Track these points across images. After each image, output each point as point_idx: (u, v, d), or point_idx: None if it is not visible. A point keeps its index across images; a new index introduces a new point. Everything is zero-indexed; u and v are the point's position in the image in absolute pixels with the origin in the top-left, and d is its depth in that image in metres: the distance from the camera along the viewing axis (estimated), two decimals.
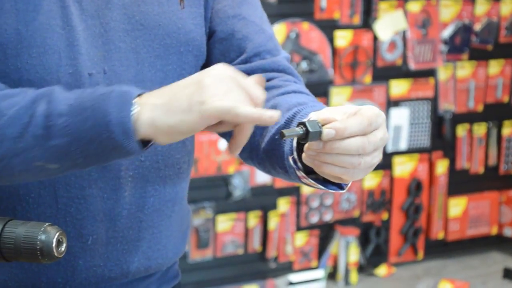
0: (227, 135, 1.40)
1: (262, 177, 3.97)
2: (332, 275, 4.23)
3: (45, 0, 1.26)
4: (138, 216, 1.37)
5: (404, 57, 4.26)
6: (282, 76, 1.41)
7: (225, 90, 1.14)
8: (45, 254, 1.10)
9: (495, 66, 4.51)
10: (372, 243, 4.34)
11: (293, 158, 1.23)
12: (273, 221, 4.03)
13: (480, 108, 4.52)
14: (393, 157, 4.32)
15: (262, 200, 4.02)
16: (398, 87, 4.27)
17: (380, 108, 3.99)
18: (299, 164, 1.23)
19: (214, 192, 3.91)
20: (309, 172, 1.23)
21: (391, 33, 4.17)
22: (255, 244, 4.02)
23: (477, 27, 4.42)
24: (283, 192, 4.07)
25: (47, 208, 1.31)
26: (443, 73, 4.37)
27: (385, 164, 4.28)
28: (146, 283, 1.44)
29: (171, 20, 1.36)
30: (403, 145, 4.34)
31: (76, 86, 1.25)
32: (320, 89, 4.02)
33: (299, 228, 4.15)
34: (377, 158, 1.17)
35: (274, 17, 3.86)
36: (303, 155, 1.17)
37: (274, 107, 1.32)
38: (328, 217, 4.21)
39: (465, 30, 4.37)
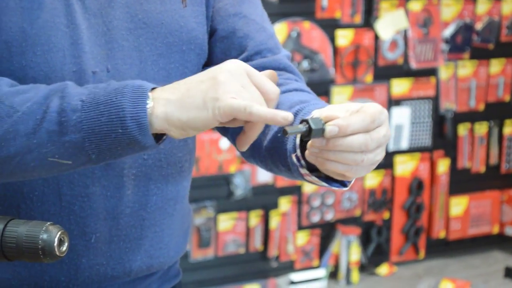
0: (228, 134, 1.40)
1: (263, 176, 3.97)
2: (333, 274, 4.23)
3: None
4: (140, 214, 1.37)
5: (405, 56, 4.26)
6: (283, 74, 1.41)
7: (239, 87, 1.14)
8: (46, 253, 1.10)
9: (496, 65, 4.51)
10: (373, 242, 4.34)
11: (296, 155, 1.23)
12: (275, 220, 4.03)
13: (481, 107, 4.52)
14: (394, 156, 4.32)
15: (264, 199, 4.02)
16: (399, 86, 4.27)
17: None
18: (302, 162, 1.23)
19: (216, 191, 3.91)
20: (312, 169, 1.23)
21: (392, 32, 4.17)
22: (257, 243, 4.02)
23: (478, 26, 4.42)
24: (285, 191, 4.07)
25: (51, 206, 1.31)
26: (444, 72, 4.37)
27: (387, 163, 4.28)
28: (147, 282, 1.44)
29: (174, 18, 1.36)
30: (404, 144, 4.34)
31: (80, 84, 1.25)
32: (321, 88, 4.02)
33: (300, 227, 4.15)
34: (380, 155, 1.17)
35: (275, 16, 3.86)
36: (306, 152, 1.17)
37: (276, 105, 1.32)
38: (329, 216, 4.21)
39: (466, 29, 4.37)
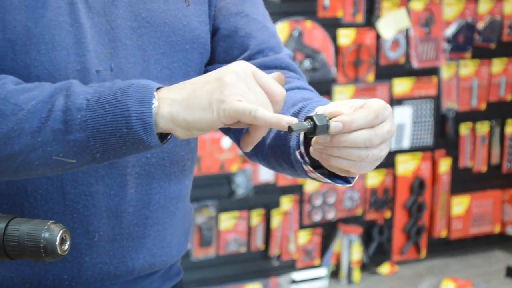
0: (231, 133, 1.40)
1: (265, 175, 3.98)
2: (335, 274, 4.23)
3: None
4: (143, 213, 1.37)
5: (407, 55, 4.26)
6: (285, 73, 1.41)
7: (245, 88, 1.14)
8: (48, 252, 1.10)
9: (498, 65, 4.51)
10: (375, 242, 4.34)
11: (300, 152, 1.23)
12: (276, 219, 4.03)
13: (483, 106, 4.52)
14: (396, 155, 4.32)
15: (265, 198, 4.02)
16: (401, 85, 4.27)
17: None
18: (306, 159, 1.23)
19: (217, 190, 3.91)
20: (316, 166, 1.23)
21: (394, 31, 4.17)
22: (258, 242, 4.02)
23: (480, 25, 4.42)
24: (286, 190, 4.07)
25: (54, 205, 1.31)
26: (446, 72, 4.37)
27: (388, 162, 4.28)
28: (149, 280, 1.45)
29: (177, 17, 1.36)
30: (406, 144, 4.34)
31: (84, 83, 1.25)
32: (323, 88, 4.02)
33: (302, 226, 4.15)
34: (385, 150, 1.17)
35: (277, 15, 3.86)
36: (311, 149, 1.17)
37: None
38: (331, 215, 4.21)
39: (468, 29, 4.37)
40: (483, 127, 4.54)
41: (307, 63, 3.98)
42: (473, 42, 4.42)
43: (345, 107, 1.15)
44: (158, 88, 1.17)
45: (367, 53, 4.14)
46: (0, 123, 1.17)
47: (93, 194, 1.32)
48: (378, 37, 4.16)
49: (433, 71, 4.35)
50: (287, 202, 4.08)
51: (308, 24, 3.97)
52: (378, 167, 4.22)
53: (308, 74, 3.95)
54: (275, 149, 1.31)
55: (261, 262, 4.08)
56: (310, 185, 4.11)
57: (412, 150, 4.38)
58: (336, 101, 1.19)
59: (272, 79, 1.17)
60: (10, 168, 1.20)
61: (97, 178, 1.32)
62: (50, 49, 1.26)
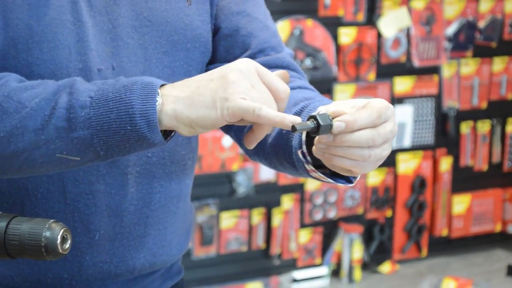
0: (232, 131, 1.40)
1: (266, 174, 3.98)
2: (336, 272, 4.23)
3: None
4: (144, 212, 1.37)
5: (408, 54, 4.25)
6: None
7: (249, 86, 1.13)
8: (49, 251, 1.10)
9: (499, 63, 4.51)
10: (376, 240, 4.34)
11: (302, 151, 1.23)
12: (277, 218, 4.03)
13: (484, 105, 4.52)
14: (397, 154, 4.32)
15: (266, 197, 4.02)
16: (402, 84, 4.27)
17: None
18: (308, 158, 1.23)
19: (218, 189, 3.91)
20: (318, 166, 1.23)
21: (395, 30, 4.17)
22: (259, 241, 4.02)
23: (481, 24, 4.42)
24: (287, 189, 4.07)
25: (55, 203, 1.31)
26: (447, 70, 4.37)
27: (389, 161, 4.28)
28: (150, 279, 1.45)
29: (178, 16, 1.36)
30: (407, 142, 4.34)
31: (86, 81, 1.25)
32: (324, 86, 4.02)
33: (303, 225, 4.15)
34: (387, 150, 1.17)
35: (278, 14, 3.86)
36: (313, 148, 1.17)
37: None
38: (332, 214, 4.21)
39: (469, 27, 4.37)
40: (484, 126, 4.54)
41: (308, 62, 3.98)
42: (474, 40, 4.42)
43: (347, 107, 1.15)
44: (162, 85, 1.17)
45: (368, 52, 4.14)
46: (3, 121, 1.17)
47: (94, 193, 1.32)
48: (379, 35, 4.16)
49: (434, 70, 4.35)
50: (288, 201, 4.08)
51: (309, 22, 3.97)
52: (379, 165, 4.21)
53: (309, 73, 3.95)
54: (277, 148, 1.31)
55: (262, 261, 4.08)
56: (311, 184, 4.11)
57: (413, 149, 4.38)
58: (338, 100, 1.19)
59: (276, 77, 1.17)
60: (14, 166, 1.20)
61: (98, 177, 1.32)
62: (52, 47, 1.26)
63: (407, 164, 4.37)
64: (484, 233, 4.66)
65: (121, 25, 1.32)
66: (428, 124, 4.39)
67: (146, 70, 1.33)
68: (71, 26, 1.27)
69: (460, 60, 4.40)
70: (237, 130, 1.39)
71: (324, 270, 4.17)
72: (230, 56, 1.41)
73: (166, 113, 1.15)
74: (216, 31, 1.42)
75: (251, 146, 1.20)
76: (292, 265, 4.14)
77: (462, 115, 4.48)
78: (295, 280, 4.09)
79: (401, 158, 4.34)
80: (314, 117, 1.13)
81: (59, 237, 1.10)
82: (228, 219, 3.94)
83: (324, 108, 1.17)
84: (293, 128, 1.11)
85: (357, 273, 4.21)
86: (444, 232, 4.53)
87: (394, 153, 4.30)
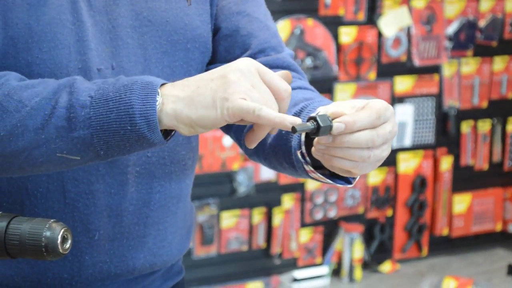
0: (231, 131, 1.40)
1: (266, 174, 3.98)
2: (336, 272, 4.23)
3: None
4: (144, 212, 1.37)
5: (409, 53, 4.25)
6: None
7: (250, 86, 1.13)
8: (50, 251, 1.10)
9: (499, 63, 4.50)
10: (376, 240, 4.34)
11: (301, 152, 1.23)
12: (278, 218, 4.03)
13: (484, 104, 4.51)
14: (397, 153, 4.32)
15: (267, 196, 4.02)
16: (403, 83, 4.27)
17: None
18: (307, 159, 1.23)
19: (219, 188, 3.91)
20: (317, 166, 1.23)
21: (395, 29, 4.16)
22: (260, 241, 4.02)
23: (482, 23, 4.41)
24: (288, 188, 4.07)
25: (55, 203, 1.31)
26: (447, 70, 4.37)
27: (390, 160, 4.28)
28: (150, 279, 1.45)
29: (178, 16, 1.36)
30: (407, 142, 4.34)
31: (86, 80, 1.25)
32: (324, 86, 4.02)
33: (303, 225, 4.15)
34: (386, 151, 1.17)
35: (279, 13, 3.86)
36: (313, 149, 1.17)
37: None
38: (332, 213, 4.21)
39: (469, 27, 4.37)
40: (484, 125, 4.53)
41: (308, 61, 3.98)
42: (475, 40, 4.41)
43: (347, 108, 1.15)
44: (162, 84, 1.17)
45: (368, 51, 4.14)
46: (3, 120, 1.17)
47: (93, 193, 1.32)
48: (379, 35, 4.16)
49: (435, 69, 4.35)
50: (288, 200, 4.08)
51: (310, 22, 3.97)
52: (379, 165, 4.21)
53: (309, 72, 3.95)
54: (276, 148, 1.31)
55: (263, 260, 4.08)
56: (312, 184, 4.11)
57: (414, 148, 4.38)
58: (338, 101, 1.19)
59: (277, 76, 1.17)
60: (14, 165, 1.20)
61: (98, 176, 1.32)
62: (52, 47, 1.26)
63: (407, 164, 4.37)
64: (485, 233, 4.66)
65: (121, 25, 1.32)
66: (428, 123, 4.39)
67: (145, 70, 1.33)
68: (71, 25, 1.27)
69: (460, 59, 4.40)
70: (237, 130, 1.39)
71: (324, 270, 4.17)
72: (230, 56, 1.41)
73: (166, 113, 1.15)
74: (216, 31, 1.42)
75: (252, 146, 1.20)
76: (292, 264, 4.14)
77: (463, 115, 4.48)
78: (295, 280, 4.09)
79: (401, 157, 4.34)
80: (314, 118, 1.13)
81: (59, 237, 1.10)
82: (229, 219, 3.94)
83: (323, 109, 1.17)
84: (293, 129, 1.11)
85: (358, 273, 4.21)
86: (445, 232, 4.53)
87: (394, 152, 4.30)
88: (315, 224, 4.19)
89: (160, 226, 1.40)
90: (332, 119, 1.13)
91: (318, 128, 1.12)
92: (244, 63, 1.15)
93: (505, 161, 4.65)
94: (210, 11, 1.41)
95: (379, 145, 1.15)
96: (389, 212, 4.37)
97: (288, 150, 1.28)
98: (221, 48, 1.42)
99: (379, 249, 4.36)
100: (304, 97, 1.32)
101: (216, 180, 3.90)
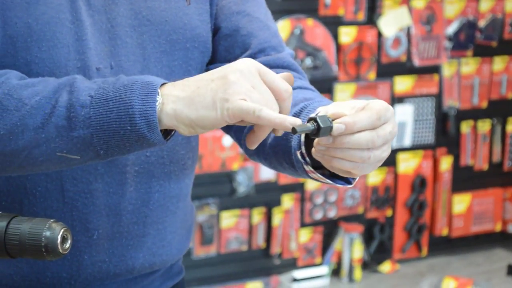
0: (232, 131, 1.40)
1: (266, 174, 3.97)
2: (336, 272, 4.23)
3: None
4: (143, 211, 1.37)
5: (409, 53, 4.25)
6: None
7: (250, 87, 1.13)
8: (50, 251, 1.10)
9: (499, 63, 4.50)
10: (376, 240, 4.34)
11: (301, 152, 1.23)
12: (277, 218, 4.03)
13: (484, 104, 4.51)
14: (397, 153, 4.32)
15: (266, 196, 4.02)
16: (403, 83, 4.27)
17: None
18: (307, 159, 1.23)
19: (218, 188, 3.91)
20: (317, 166, 1.23)
21: (395, 29, 4.16)
22: (259, 241, 4.02)
23: (482, 23, 4.41)
24: (287, 188, 4.07)
25: (53, 202, 1.31)
26: (447, 70, 4.37)
27: (389, 160, 4.28)
28: (150, 279, 1.44)
29: (178, 16, 1.36)
30: (407, 142, 4.34)
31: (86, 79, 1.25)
32: (324, 86, 4.02)
33: (303, 225, 4.15)
34: (387, 152, 1.17)
35: (279, 13, 3.86)
36: (313, 150, 1.17)
37: None
38: (332, 213, 4.21)
39: (469, 27, 4.37)
40: (484, 125, 4.53)
41: (308, 61, 3.98)
42: (475, 40, 4.41)
43: (347, 108, 1.15)
44: (163, 84, 1.17)
45: (368, 51, 4.14)
46: (3, 119, 1.17)
47: (92, 192, 1.32)
48: (379, 35, 4.16)
49: (435, 69, 4.35)
50: (288, 200, 4.07)
51: (310, 22, 3.97)
52: (379, 165, 4.21)
53: (309, 72, 3.95)
54: (276, 148, 1.31)
55: (262, 260, 4.08)
56: (311, 184, 4.11)
57: (414, 148, 4.38)
58: (338, 101, 1.19)
59: (278, 76, 1.16)
60: (14, 164, 1.20)
61: (96, 176, 1.32)
62: (51, 46, 1.26)
63: (407, 164, 4.37)
64: (485, 233, 4.66)
65: (120, 24, 1.31)
66: (428, 123, 4.39)
67: (144, 69, 1.33)
68: (70, 25, 1.27)
69: (460, 59, 4.40)
70: (237, 130, 1.39)
71: (324, 270, 4.17)
72: (230, 56, 1.41)
73: (166, 113, 1.15)
74: (216, 31, 1.42)
75: (253, 146, 1.20)
76: (292, 264, 4.14)
77: (463, 115, 4.47)
78: (295, 280, 4.09)
79: (401, 157, 4.34)
80: (314, 119, 1.13)
81: (59, 237, 1.10)
82: (229, 219, 3.94)
83: (323, 109, 1.17)
84: (293, 130, 1.11)
85: (357, 273, 4.21)
86: (444, 232, 4.53)
87: (394, 152, 4.30)
88: (315, 224, 4.19)
89: (160, 226, 1.40)
90: (332, 120, 1.13)
91: (318, 129, 1.12)
92: (245, 63, 1.15)
93: (504, 161, 4.65)
94: (210, 10, 1.41)
95: (379, 146, 1.15)
96: (388, 212, 4.37)
97: (288, 150, 1.28)
98: (221, 48, 1.42)
99: (378, 249, 4.36)
100: (304, 97, 1.32)
101: (216, 180, 3.90)
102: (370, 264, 4.32)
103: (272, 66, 1.40)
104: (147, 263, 1.40)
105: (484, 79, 4.48)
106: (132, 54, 1.32)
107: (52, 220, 1.11)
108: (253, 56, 1.40)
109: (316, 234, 4.19)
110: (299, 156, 1.24)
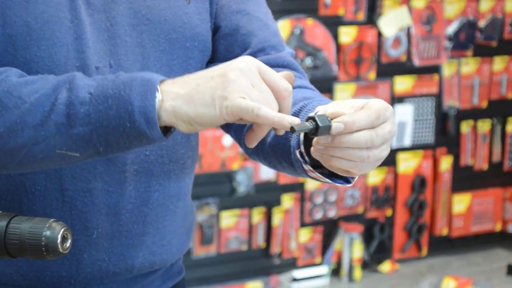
0: (232, 130, 1.40)
1: (266, 173, 3.97)
2: (336, 272, 4.23)
3: None
4: (142, 210, 1.37)
5: (409, 53, 4.25)
6: None
7: (249, 85, 1.13)
8: (50, 250, 1.10)
9: (499, 63, 4.50)
10: (376, 240, 4.34)
11: (300, 152, 1.23)
12: (277, 217, 4.03)
13: (484, 104, 4.51)
14: (397, 153, 4.32)
15: (266, 196, 4.02)
16: (403, 83, 4.27)
17: None
18: (306, 158, 1.23)
19: (218, 188, 3.91)
20: (316, 166, 1.23)
21: (395, 29, 4.16)
22: (259, 240, 4.02)
23: (482, 23, 4.41)
24: (287, 188, 4.07)
25: (53, 201, 1.31)
26: (447, 70, 4.37)
27: (389, 160, 4.28)
28: (150, 279, 1.44)
29: (177, 15, 1.36)
30: (407, 142, 4.34)
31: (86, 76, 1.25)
32: (324, 85, 4.02)
33: (303, 224, 4.15)
34: (386, 151, 1.17)
35: (279, 13, 3.86)
36: (312, 149, 1.17)
37: None
38: (332, 213, 4.21)
39: (469, 27, 4.37)
40: (484, 125, 4.53)
41: (308, 61, 3.98)
42: (475, 40, 4.41)
43: (346, 108, 1.15)
44: (162, 81, 1.17)
45: (368, 51, 4.14)
46: (3, 116, 1.17)
47: (91, 191, 1.32)
48: (379, 35, 4.16)
49: (435, 69, 4.35)
50: (288, 200, 4.08)
51: (310, 22, 3.97)
52: (379, 165, 4.21)
53: (309, 72, 3.95)
54: (276, 148, 1.31)
55: (262, 260, 4.08)
56: (311, 183, 4.11)
57: (413, 148, 4.38)
58: (337, 101, 1.19)
59: (277, 75, 1.16)
60: (14, 161, 1.20)
61: (96, 174, 1.32)
62: (51, 45, 1.26)
63: (407, 163, 4.37)
64: (484, 232, 4.66)
65: (119, 23, 1.31)
66: (428, 123, 4.39)
67: (144, 68, 1.33)
68: (69, 23, 1.27)
69: (460, 59, 4.40)
70: (237, 129, 1.39)
71: (324, 269, 4.17)
72: (230, 55, 1.41)
73: (165, 110, 1.15)
74: (216, 30, 1.42)
75: (252, 145, 1.20)
76: (292, 264, 4.14)
77: (462, 115, 4.48)
78: (295, 279, 4.09)
79: (401, 157, 4.34)
80: (313, 118, 1.12)
81: (59, 236, 1.10)
82: (228, 218, 3.94)
83: (322, 108, 1.17)
84: (292, 129, 1.11)
85: (357, 272, 4.21)
86: (444, 232, 4.53)
87: (394, 152, 4.30)
88: (315, 224, 4.19)
89: (159, 225, 1.40)
90: (331, 119, 1.13)
91: (317, 128, 1.12)
92: (245, 61, 1.15)
93: (504, 161, 4.65)
94: (210, 9, 1.41)
95: (378, 145, 1.15)
96: (388, 212, 4.37)
97: (287, 150, 1.28)
98: (221, 47, 1.42)
99: (378, 249, 4.36)
100: (304, 96, 1.32)
101: (215, 179, 3.90)
102: (370, 264, 4.32)
103: (272, 65, 1.39)
104: (146, 262, 1.40)
105: (484, 79, 4.48)
106: (131, 53, 1.32)
107: (52, 220, 1.11)
108: (253, 55, 1.40)
109: (316, 234, 4.19)
110: (298, 155, 1.24)
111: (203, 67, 1.41)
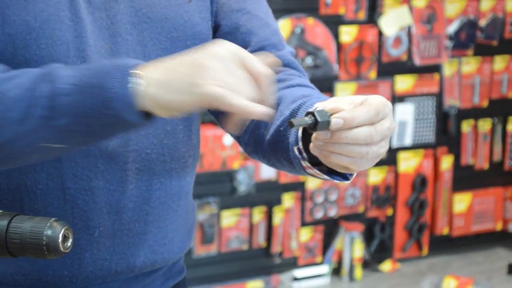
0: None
1: (267, 173, 3.97)
2: (336, 271, 4.23)
3: None
4: (144, 209, 1.37)
5: (409, 52, 4.25)
6: (287, 70, 1.41)
7: (225, 72, 1.12)
8: (51, 250, 1.10)
9: (500, 62, 4.50)
10: (376, 239, 4.34)
11: (298, 148, 1.23)
12: (278, 217, 4.03)
13: (485, 104, 4.51)
14: (398, 152, 4.32)
15: (267, 195, 4.02)
16: (403, 82, 4.27)
17: None
18: (304, 155, 1.23)
19: (219, 187, 3.91)
20: (314, 163, 1.23)
21: (396, 28, 4.16)
22: (260, 240, 4.02)
23: (482, 22, 4.41)
24: (288, 187, 4.07)
25: (54, 200, 1.31)
26: (448, 69, 4.37)
27: (390, 159, 4.28)
28: (151, 278, 1.44)
29: (178, 13, 1.36)
30: (408, 141, 4.34)
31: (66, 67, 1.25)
32: (325, 85, 4.02)
33: (303, 224, 4.15)
34: (384, 147, 1.17)
35: (279, 12, 3.86)
36: (311, 145, 1.17)
37: (279, 100, 1.32)
38: (332, 212, 4.21)
39: (470, 26, 4.37)
40: (485, 125, 4.53)
41: (309, 60, 3.98)
42: (475, 39, 4.41)
43: (345, 104, 1.15)
44: (142, 66, 1.16)
45: (369, 50, 4.14)
46: None
47: (93, 189, 1.32)
48: (380, 34, 4.16)
49: (435, 68, 4.35)
50: (289, 199, 4.08)
51: (310, 21, 3.97)
52: (380, 164, 4.22)
53: (310, 71, 3.95)
54: (275, 145, 1.31)
55: (263, 259, 4.08)
56: (312, 183, 4.11)
57: (414, 147, 4.38)
58: (336, 97, 1.19)
59: (257, 60, 1.15)
60: (1, 157, 1.19)
61: (97, 173, 1.32)
62: (50, 44, 1.26)
63: (408, 163, 4.37)
64: (485, 232, 4.66)
65: (120, 22, 1.31)
66: (429, 122, 4.39)
67: None
68: (69, 22, 1.27)
69: (461, 58, 4.40)
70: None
71: (324, 269, 4.17)
72: None
73: (143, 95, 1.15)
74: (216, 28, 1.42)
75: (235, 131, 1.19)
76: (293, 263, 4.14)
77: (463, 114, 4.47)
78: (296, 279, 4.09)
79: (402, 156, 4.34)
80: (312, 113, 1.12)
81: (60, 235, 1.10)
82: (229, 218, 3.94)
83: (321, 104, 1.17)
84: (291, 124, 1.11)
85: (358, 272, 4.21)
86: (445, 231, 4.53)
87: (395, 151, 4.30)
88: (316, 223, 4.19)
89: (161, 224, 1.40)
90: (331, 115, 1.13)
91: (316, 123, 1.12)
92: (222, 47, 1.15)
93: (505, 161, 4.65)
94: (211, 8, 1.41)
95: (377, 142, 1.15)
96: (389, 211, 4.37)
97: (286, 147, 1.28)
98: None
99: (379, 248, 4.36)
100: (303, 94, 1.32)
101: (216, 179, 3.90)
102: (370, 263, 4.32)
103: None
104: (148, 261, 1.40)
105: (485, 78, 4.48)
106: (132, 51, 1.32)
107: (53, 219, 1.11)
108: (253, 54, 1.40)
109: (316, 233, 4.19)
110: (296, 152, 1.24)
111: None
